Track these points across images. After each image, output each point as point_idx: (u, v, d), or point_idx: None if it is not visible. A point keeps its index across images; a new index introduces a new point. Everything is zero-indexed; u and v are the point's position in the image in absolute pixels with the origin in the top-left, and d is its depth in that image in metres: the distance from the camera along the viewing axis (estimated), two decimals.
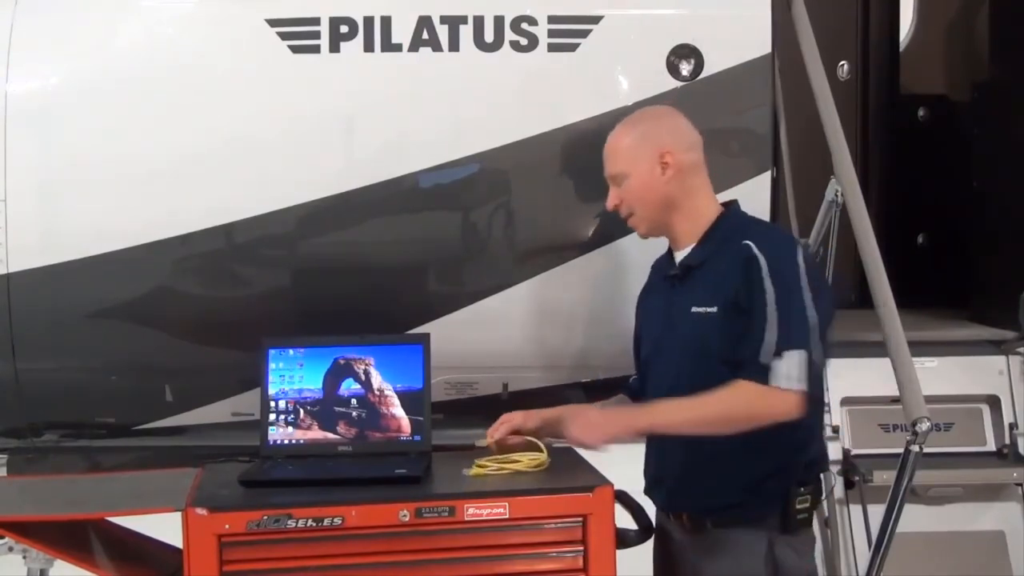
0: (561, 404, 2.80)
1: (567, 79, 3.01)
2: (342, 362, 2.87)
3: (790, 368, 2.44)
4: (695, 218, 2.65)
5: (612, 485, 2.54)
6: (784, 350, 2.45)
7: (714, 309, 2.54)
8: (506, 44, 2.98)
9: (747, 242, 2.54)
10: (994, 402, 3.41)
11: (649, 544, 2.72)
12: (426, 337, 2.90)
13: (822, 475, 2.71)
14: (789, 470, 2.57)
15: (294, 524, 2.46)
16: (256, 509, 2.47)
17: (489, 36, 2.97)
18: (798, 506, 2.57)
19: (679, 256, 2.68)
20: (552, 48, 2.98)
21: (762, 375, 2.45)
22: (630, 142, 2.66)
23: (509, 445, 2.69)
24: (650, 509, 2.71)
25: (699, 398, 2.49)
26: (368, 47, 2.96)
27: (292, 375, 2.87)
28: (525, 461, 2.64)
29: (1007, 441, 3.38)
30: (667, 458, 2.67)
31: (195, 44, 3.04)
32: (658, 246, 2.79)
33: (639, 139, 2.66)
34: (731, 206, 2.70)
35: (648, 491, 2.74)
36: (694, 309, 2.58)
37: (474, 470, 2.64)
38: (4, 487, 3.08)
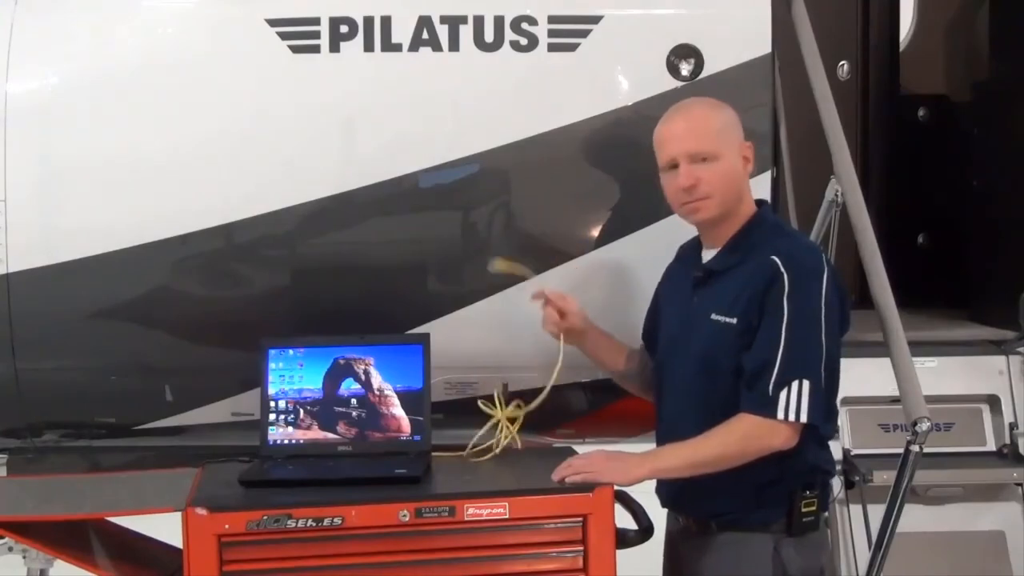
0: (561, 405, 2.81)
1: (567, 79, 3.01)
2: (342, 362, 2.87)
3: (794, 399, 2.44)
4: (737, 220, 2.62)
5: (612, 485, 2.54)
6: (791, 379, 2.44)
7: (734, 320, 2.52)
8: (506, 44, 2.97)
9: (774, 258, 2.50)
10: (994, 402, 3.40)
11: (649, 544, 2.71)
12: (426, 337, 2.90)
13: (830, 480, 2.71)
14: (793, 474, 2.56)
15: (294, 524, 2.46)
16: (256, 509, 2.47)
17: (489, 36, 2.97)
18: (803, 509, 2.56)
19: (706, 256, 2.65)
20: (552, 48, 2.98)
21: (765, 405, 2.45)
22: (722, 125, 2.61)
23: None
24: (651, 509, 2.71)
25: (697, 441, 2.49)
26: (368, 47, 2.96)
27: (292, 375, 2.87)
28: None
29: (1007, 441, 3.37)
30: None
31: (195, 44, 3.03)
32: (658, 245, 2.80)
33: (730, 125, 2.62)
34: (762, 208, 2.67)
35: (657, 489, 2.74)
36: (713, 316, 2.55)
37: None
38: (4, 487, 3.08)
